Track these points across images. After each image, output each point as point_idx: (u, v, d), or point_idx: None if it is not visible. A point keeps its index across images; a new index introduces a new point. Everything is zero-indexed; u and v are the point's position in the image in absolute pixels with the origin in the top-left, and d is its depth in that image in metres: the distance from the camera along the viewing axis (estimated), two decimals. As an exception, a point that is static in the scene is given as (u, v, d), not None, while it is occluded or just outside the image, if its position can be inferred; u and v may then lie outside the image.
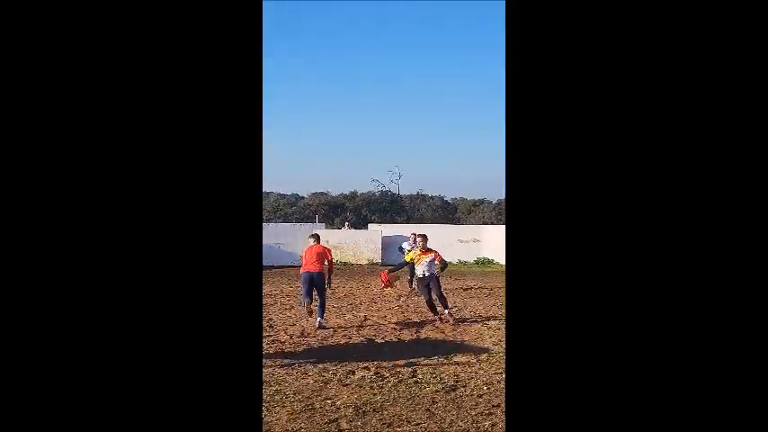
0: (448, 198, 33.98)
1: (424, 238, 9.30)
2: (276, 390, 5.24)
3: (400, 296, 12.10)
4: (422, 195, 33.55)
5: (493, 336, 7.87)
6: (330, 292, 9.48)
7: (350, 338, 7.71)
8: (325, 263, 8.56)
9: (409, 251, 10.54)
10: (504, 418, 4.32)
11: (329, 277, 8.68)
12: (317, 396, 5.08)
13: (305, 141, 51.70)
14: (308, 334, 7.97)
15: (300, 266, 8.79)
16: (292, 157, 49.60)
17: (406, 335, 7.97)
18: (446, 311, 8.98)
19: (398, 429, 4.26)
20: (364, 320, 9.13)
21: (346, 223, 23.95)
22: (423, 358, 6.56)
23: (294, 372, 5.92)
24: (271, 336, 7.81)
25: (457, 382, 5.56)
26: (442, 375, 5.79)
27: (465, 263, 19.75)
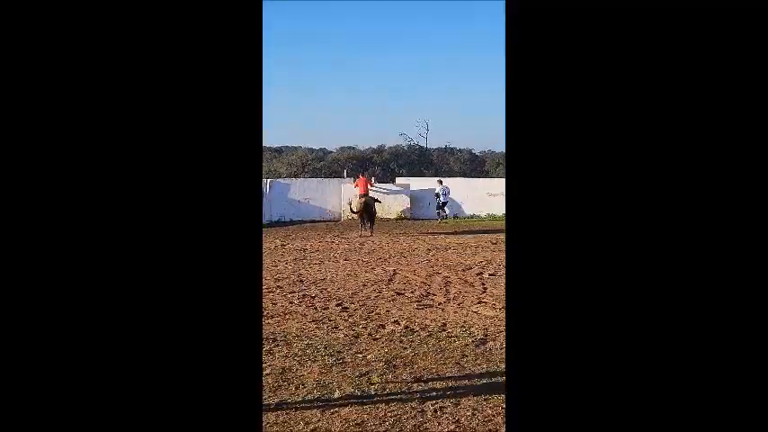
0: (476, 151, 33.66)
1: None
2: (307, 344, 5.33)
3: (429, 250, 12.12)
4: (450, 149, 33.25)
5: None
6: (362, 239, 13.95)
7: (380, 292, 7.78)
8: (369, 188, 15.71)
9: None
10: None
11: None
12: (347, 350, 5.15)
13: (332, 96, 51.36)
14: (339, 288, 8.06)
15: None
16: (320, 112, 49.40)
17: (436, 288, 8.00)
18: None
19: (429, 383, 4.31)
20: (393, 275, 9.19)
21: (372, 178, 23.92)
22: (452, 312, 6.60)
23: (325, 326, 6.00)
24: (302, 290, 7.92)
25: (486, 335, 5.58)
26: (472, 329, 5.81)
27: (494, 216, 19.65)
